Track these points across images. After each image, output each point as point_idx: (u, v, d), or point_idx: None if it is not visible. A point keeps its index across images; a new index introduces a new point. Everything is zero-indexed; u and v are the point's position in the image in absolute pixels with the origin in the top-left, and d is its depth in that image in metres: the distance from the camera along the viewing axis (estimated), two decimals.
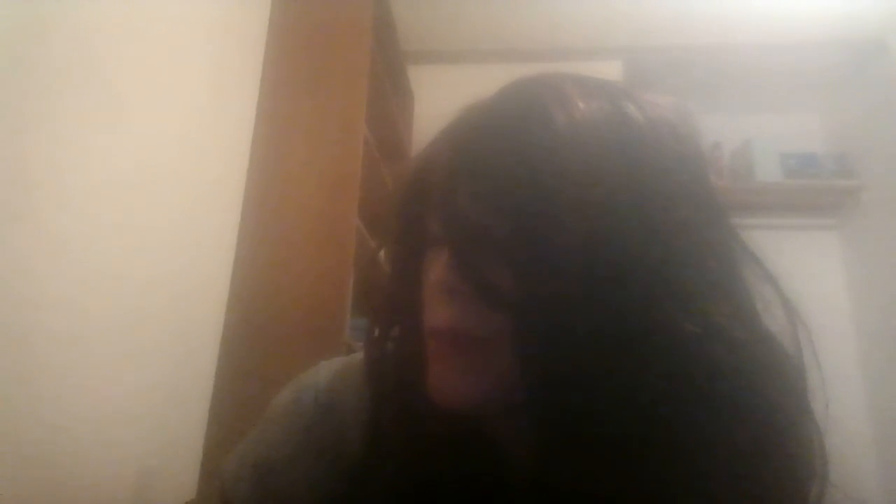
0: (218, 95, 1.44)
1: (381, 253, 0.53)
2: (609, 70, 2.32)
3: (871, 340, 2.34)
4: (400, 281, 0.46)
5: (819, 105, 2.67)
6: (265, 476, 0.48)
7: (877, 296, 2.34)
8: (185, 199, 1.28)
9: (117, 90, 1.05)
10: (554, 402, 0.36)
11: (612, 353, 0.35)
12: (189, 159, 1.30)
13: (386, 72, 1.99)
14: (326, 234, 1.53)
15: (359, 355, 0.52)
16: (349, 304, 1.51)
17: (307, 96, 1.64)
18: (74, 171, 0.94)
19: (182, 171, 1.27)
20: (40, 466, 0.87)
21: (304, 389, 0.51)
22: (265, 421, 0.51)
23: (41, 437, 0.87)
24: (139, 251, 1.11)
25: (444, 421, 0.41)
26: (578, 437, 0.36)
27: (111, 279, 1.03)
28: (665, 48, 2.40)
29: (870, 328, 2.36)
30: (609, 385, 0.35)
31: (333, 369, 0.52)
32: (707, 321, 0.36)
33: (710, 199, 0.41)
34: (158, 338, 1.18)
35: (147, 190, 1.14)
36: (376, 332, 0.48)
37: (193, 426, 1.33)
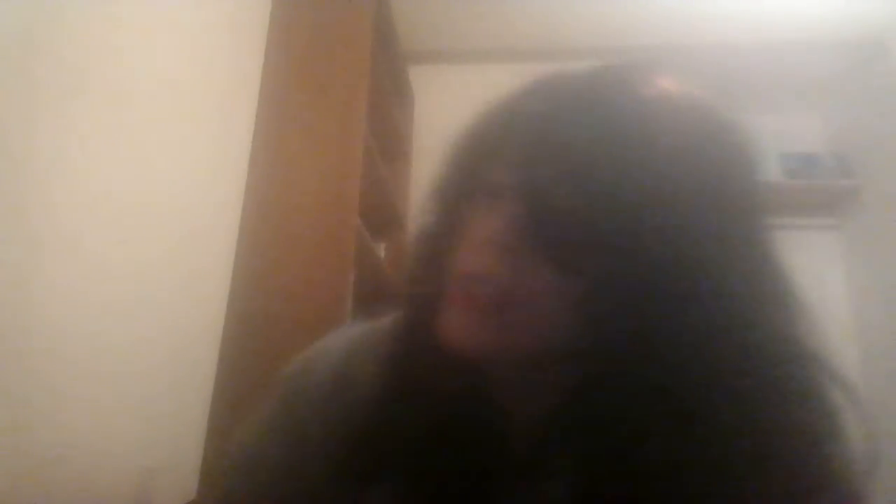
0: (218, 95, 1.44)
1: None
2: None
3: (872, 340, 2.34)
4: (444, 226, 0.45)
5: (819, 105, 2.67)
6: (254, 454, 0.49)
7: (877, 296, 2.34)
8: (186, 200, 1.28)
9: (118, 90, 1.05)
10: (601, 374, 0.37)
11: (676, 340, 0.35)
12: (189, 160, 1.30)
13: (386, 72, 1.99)
14: (326, 234, 1.53)
15: (382, 321, 0.52)
16: (349, 304, 1.51)
17: (307, 96, 1.64)
18: (76, 168, 0.94)
19: (182, 171, 1.27)
20: (41, 467, 0.87)
21: (314, 362, 0.52)
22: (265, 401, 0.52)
23: (42, 437, 0.87)
24: (139, 254, 1.11)
25: (454, 369, 0.41)
26: (607, 414, 0.37)
27: (112, 281, 1.03)
28: (665, 48, 2.40)
29: (870, 328, 2.36)
30: (658, 372, 0.35)
31: (350, 337, 0.53)
32: (769, 325, 0.37)
33: (762, 192, 0.42)
34: (159, 338, 1.18)
35: (147, 191, 1.14)
36: (414, 276, 0.47)
37: (194, 427, 1.33)
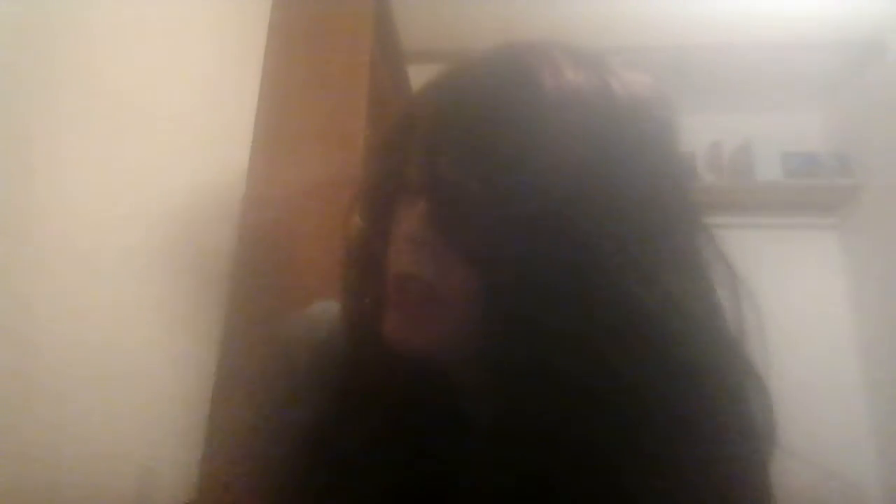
0: (218, 95, 1.44)
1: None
2: None
3: (872, 340, 2.34)
4: (372, 228, 0.47)
5: (819, 105, 2.67)
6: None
7: (877, 296, 2.34)
8: (184, 203, 1.28)
9: (118, 88, 1.05)
10: (510, 357, 0.38)
11: (572, 316, 0.36)
12: (189, 159, 1.30)
13: (386, 71, 1.99)
14: (328, 235, 1.53)
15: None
16: None
17: (307, 96, 1.64)
18: (76, 168, 0.94)
19: (181, 171, 1.27)
20: (40, 466, 0.87)
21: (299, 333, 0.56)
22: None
23: (41, 436, 0.87)
24: (138, 255, 1.11)
25: (408, 365, 0.43)
26: (531, 388, 0.37)
27: (112, 276, 1.03)
28: (664, 48, 2.40)
29: (870, 328, 2.36)
30: (565, 345, 0.36)
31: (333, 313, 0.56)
32: (667, 295, 0.37)
33: (681, 183, 0.42)
34: (159, 338, 1.18)
35: (145, 193, 1.14)
36: (349, 279, 0.50)
37: (194, 427, 1.33)
